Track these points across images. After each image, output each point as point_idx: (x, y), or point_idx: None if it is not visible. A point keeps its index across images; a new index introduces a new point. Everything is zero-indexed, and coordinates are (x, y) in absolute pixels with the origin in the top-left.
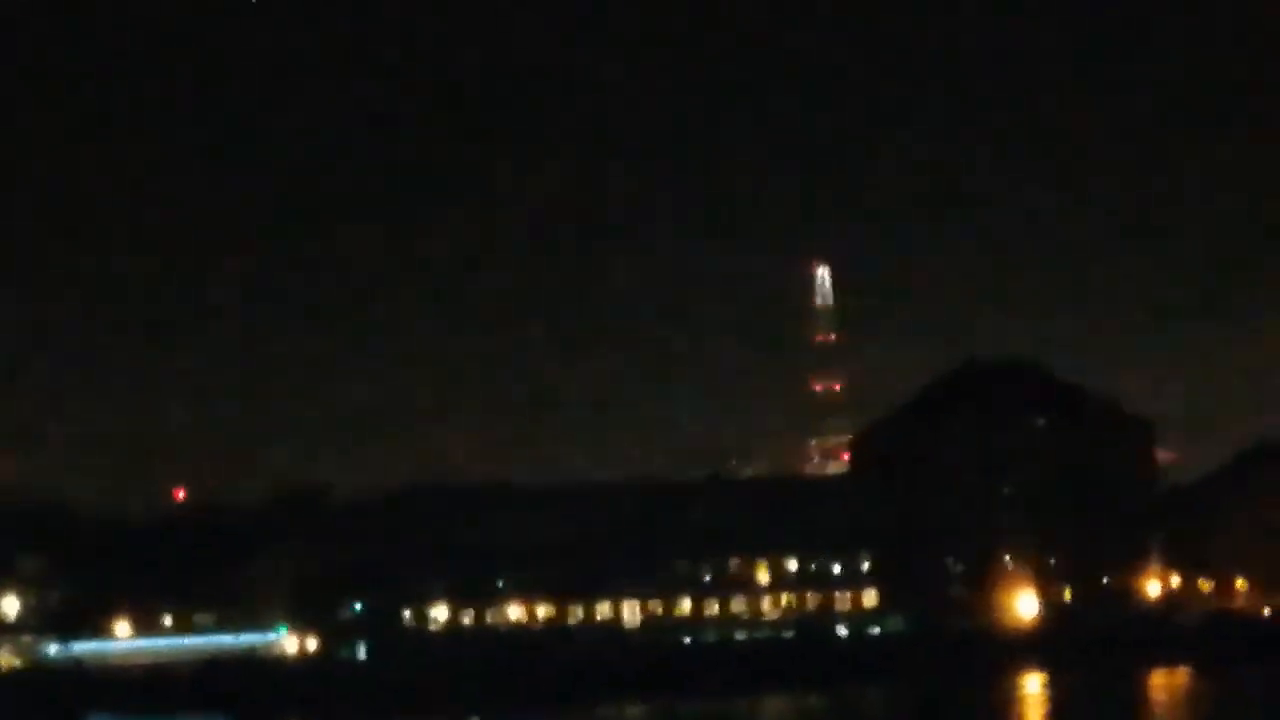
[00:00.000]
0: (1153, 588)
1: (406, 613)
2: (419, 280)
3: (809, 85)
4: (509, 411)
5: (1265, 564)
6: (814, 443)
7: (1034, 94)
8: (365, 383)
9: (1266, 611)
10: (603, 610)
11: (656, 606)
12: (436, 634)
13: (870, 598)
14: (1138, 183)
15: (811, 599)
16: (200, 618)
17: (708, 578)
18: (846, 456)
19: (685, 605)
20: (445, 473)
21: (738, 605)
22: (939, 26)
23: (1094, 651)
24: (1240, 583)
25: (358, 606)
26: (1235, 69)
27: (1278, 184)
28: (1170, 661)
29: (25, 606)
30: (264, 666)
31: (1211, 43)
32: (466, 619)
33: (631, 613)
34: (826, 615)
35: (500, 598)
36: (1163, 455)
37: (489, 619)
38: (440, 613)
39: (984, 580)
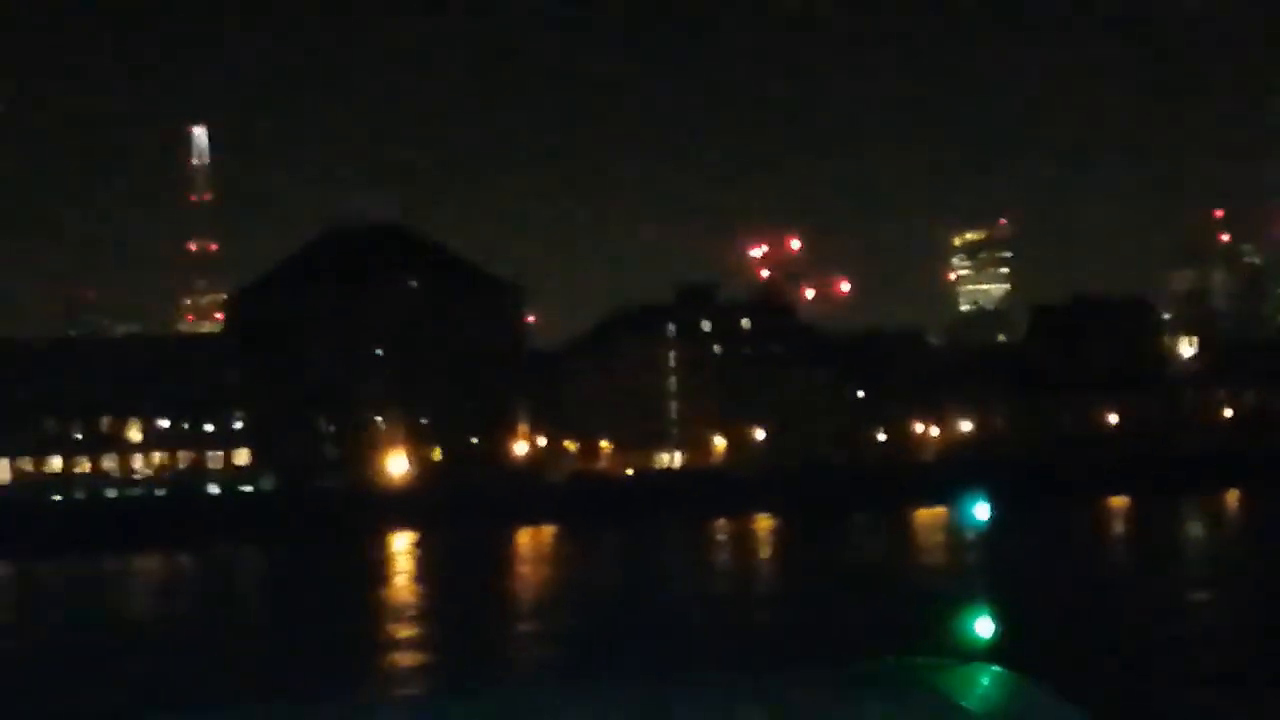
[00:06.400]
0: (520, 448)
1: None
2: None
3: None
4: None
5: (626, 426)
6: (188, 302)
7: None
8: None
9: (629, 472)
10: None
11: (26, 464)
12: None
13: (243, 457)
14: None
15: (184, 458)
16: None
17: (78, 436)
18: (221, 317)
19: (56, 463)
20: None
21: (109, 463)
22: None
23: (463, 510)
24: (604, 444)
25: None
26: None
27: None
28: (536, 520)
29: None
30: None
31: None
32: None
33: (1, 470)
34: (198, 474)
35: None
36: (530, 319)
37: None
38: None
39: (355, 441)
